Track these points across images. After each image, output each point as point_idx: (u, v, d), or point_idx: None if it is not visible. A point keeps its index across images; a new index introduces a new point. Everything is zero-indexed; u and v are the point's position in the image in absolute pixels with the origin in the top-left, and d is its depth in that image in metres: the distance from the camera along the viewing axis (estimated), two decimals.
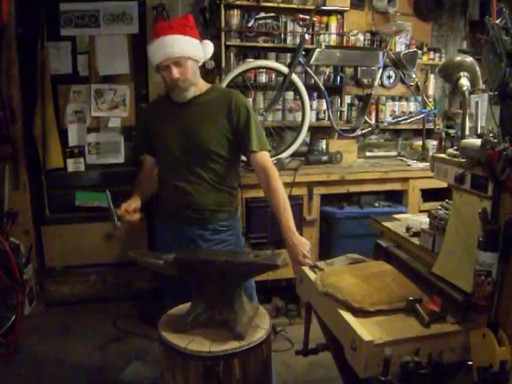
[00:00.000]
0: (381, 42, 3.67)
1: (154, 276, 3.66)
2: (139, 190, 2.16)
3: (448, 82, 2.32)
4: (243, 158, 2.18)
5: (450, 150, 1.65)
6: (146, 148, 2.22)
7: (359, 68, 3.62)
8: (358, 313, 1.49)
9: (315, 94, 3.58)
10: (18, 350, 2.87)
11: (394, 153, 3.83)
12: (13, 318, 2.91)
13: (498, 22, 1.42)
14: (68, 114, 3.62)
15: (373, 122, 3.63)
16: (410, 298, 1.51)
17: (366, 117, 3.51)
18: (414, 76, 3.67)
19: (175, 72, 1.93)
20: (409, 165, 3.44)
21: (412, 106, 3.84)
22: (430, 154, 3.35)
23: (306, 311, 1.89)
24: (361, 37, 3.65)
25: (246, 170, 2.91)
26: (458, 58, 2.17)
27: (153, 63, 2.00)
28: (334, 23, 3.54)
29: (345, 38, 3.59)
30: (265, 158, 2.02)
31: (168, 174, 2.09)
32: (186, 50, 1.95)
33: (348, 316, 1.47)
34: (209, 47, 2.08)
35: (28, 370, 2.74)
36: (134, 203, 2.06)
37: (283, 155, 3.21)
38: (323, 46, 3.26)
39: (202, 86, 2.09)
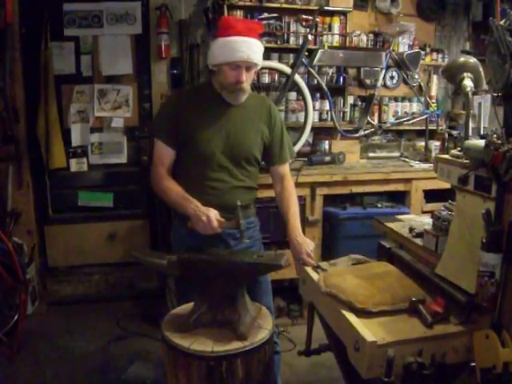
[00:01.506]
0: (384, 42, 3.66)
1: (157, 276, 3.67)
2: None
3: (451, 82, 2.32)
4: None
5: (454, 151, 1.66)
6: (171, 140, 1.99)
7: (362, 69, 3.61)
8: (361, 313, 1.49)
9: (318, 95, 3.57)
10: (20, 350, 2.88)
11: (397, 153, 3.82)
12: (15, 317, 2.93)
13: (502, 23, 1.43)
14: (71, 114, 3.63)
15: (376, 122, 3.62)
16: (413, 299, 1.52)
17: (368, 117, 3.51)
18: (416, 77, 3.66)
19: (245, 76, 1.91)
20: (411, 165, 3.44)
21: (415, 107, 3.83)
22: (433, 154, 3.34)
23: (308, 311, 1.89)
24: (364, 37, 3.64)
25: None
26: (462, 59, 2.16)
27: (222, 58, 1.90)
28: (336, 24, 3.54)
29: (348, 38, 3.58)
30: (287, 165, 2.21)
31: (199, 173, 1.99)
32: (260, 58, 1.95)
33: (351, 316, 1.47)
34: None
35: (30, 370, 2.75)
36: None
37: None
38: (326, 47, 3.26)
39: None
